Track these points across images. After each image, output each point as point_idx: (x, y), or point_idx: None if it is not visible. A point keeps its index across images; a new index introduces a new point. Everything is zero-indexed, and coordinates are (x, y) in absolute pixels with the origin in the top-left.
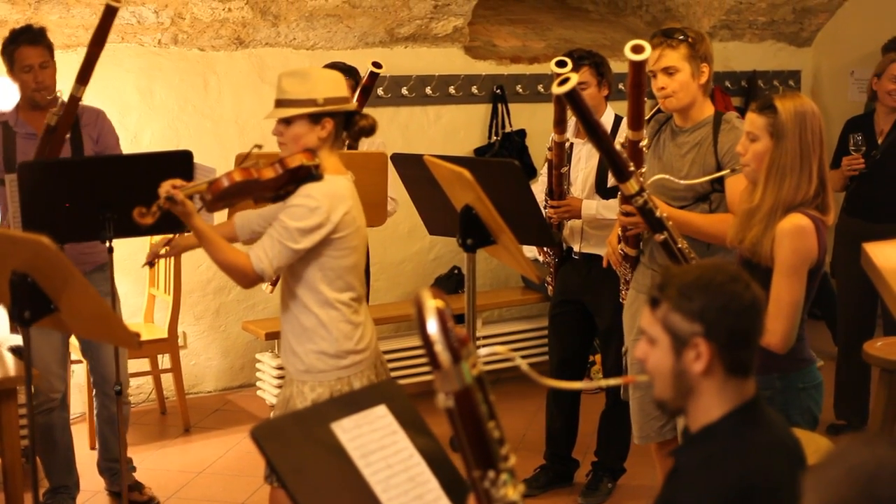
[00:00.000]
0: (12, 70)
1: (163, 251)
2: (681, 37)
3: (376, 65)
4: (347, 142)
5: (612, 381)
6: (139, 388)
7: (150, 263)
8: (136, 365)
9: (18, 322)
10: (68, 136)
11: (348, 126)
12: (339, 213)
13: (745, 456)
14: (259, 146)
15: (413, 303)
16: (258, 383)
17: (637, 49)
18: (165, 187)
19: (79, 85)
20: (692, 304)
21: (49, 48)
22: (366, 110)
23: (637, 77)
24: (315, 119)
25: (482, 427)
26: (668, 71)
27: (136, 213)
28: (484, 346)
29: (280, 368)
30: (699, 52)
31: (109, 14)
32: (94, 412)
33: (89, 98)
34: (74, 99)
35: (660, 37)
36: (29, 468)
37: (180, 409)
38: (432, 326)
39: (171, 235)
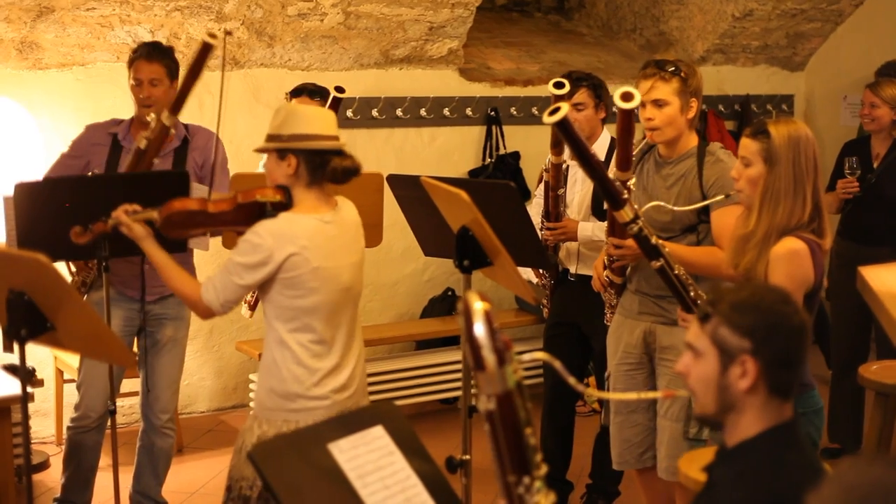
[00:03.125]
0: (129, 82)
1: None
2: (673, 70)
3: (339, 89)
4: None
5: (652, 394)
6: (132, 408)
7: None
8: (128, 384)
9: (15, 340)
10: (168, 157)
11: (322, 165)
12: (283, 252)
13: (779, 475)
14: None
15: (460, 305)
16: (251, 404)
17: (626, 97)
18: (117, 212)
19: (170, 115)
20: (743, 320)
21: (168, 67)
22: (360, 134)
23: (626, 123)
24: (281, 155)
25: (520, 432)
26: (658, 103)
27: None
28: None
29: None
30: (690, 86)
31: (205, 50)
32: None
33: (88, 117)
34: (164, 127)
35: (653, 68)
36: (23, 487)
37: None
38: (479, 329)
39: None
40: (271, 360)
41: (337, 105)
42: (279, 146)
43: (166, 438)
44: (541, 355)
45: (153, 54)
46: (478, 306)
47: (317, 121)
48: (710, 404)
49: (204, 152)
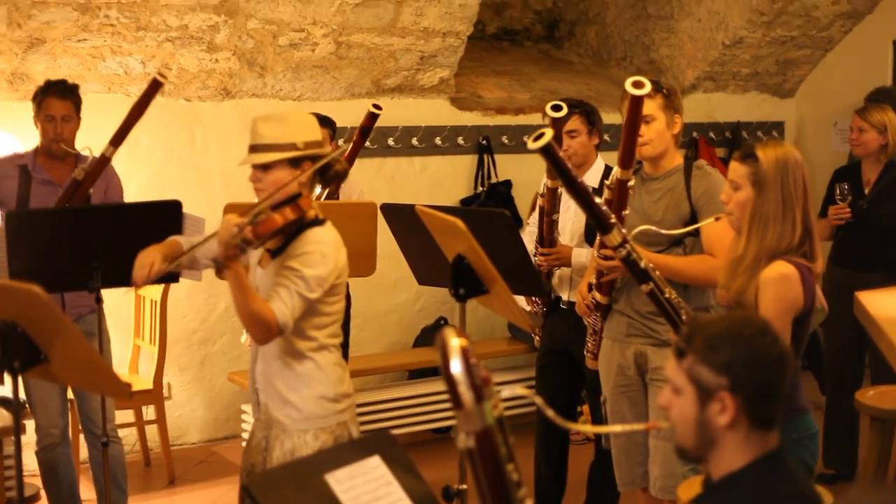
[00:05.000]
0: (37, 116)
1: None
2: (654, 87)
3: (377, 106)
4: (327, 190)
5: (637, 427)
6: (123, 440)
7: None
8: (120, 416)
9: (8, 372)
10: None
11: (323, 171)
12: (342, 258)
13: None
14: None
15: (437, 342)
16: (243, 434)
17: (637, 84)
18: (234, 228)
19: (111, 146)
20: (718, 357)
21: (76, 104)
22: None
23: (635, 114)
24: (295, 163)
25: (501, 468)
26: (646, 119)
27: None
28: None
29: None
30: (673, 103)
31: (154, 87)
32: (88, 455)
33: (79, 147)
34: (105, 158)
35: None
36: None
37: (165, 461)
38: (456, 366)
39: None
40: (314, 368)
41: (373, 122)
42: (298, 155)
43: (113, 445)
44: (522, 391)
45: (65, 92)
46: (454, 343)
47: (316, 127)
48: (689, 439)
49: (104, 181)
